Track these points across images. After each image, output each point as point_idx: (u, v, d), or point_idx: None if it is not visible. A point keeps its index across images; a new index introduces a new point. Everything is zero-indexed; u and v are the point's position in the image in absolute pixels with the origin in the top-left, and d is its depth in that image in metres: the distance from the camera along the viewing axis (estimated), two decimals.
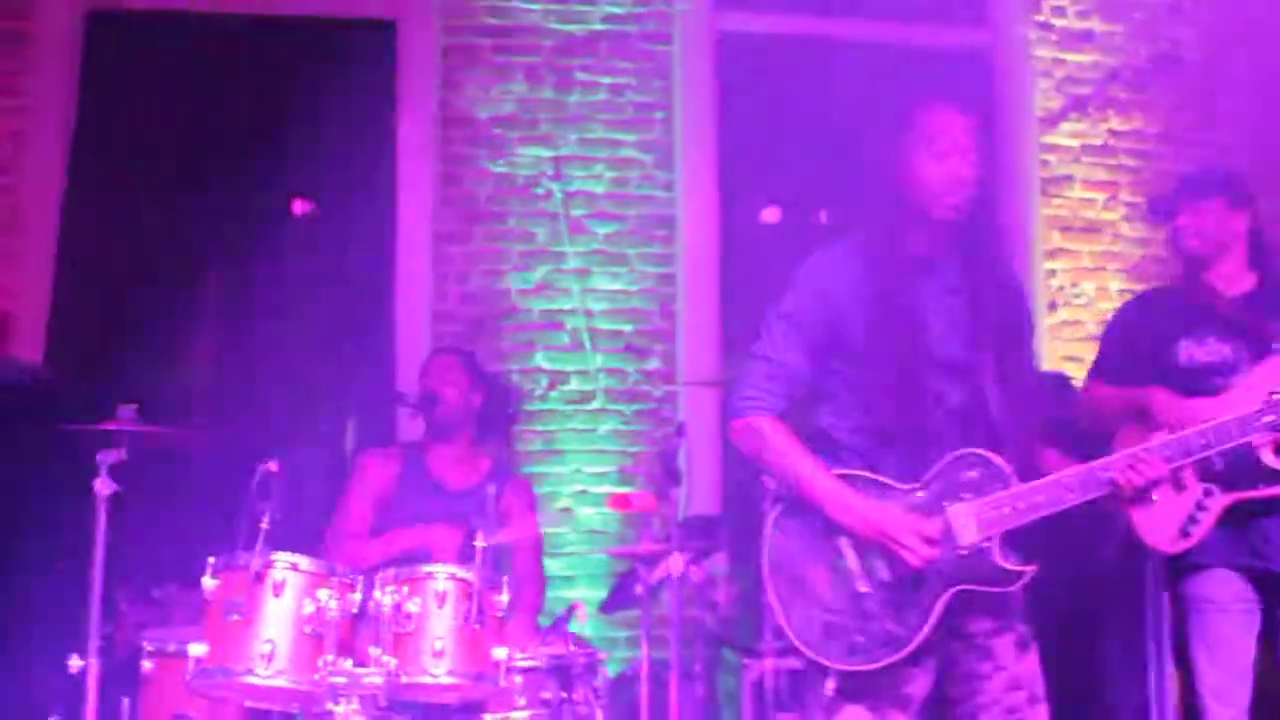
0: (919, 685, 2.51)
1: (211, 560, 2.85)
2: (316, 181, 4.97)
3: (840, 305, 2.54)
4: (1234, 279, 3.32)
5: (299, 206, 4.98)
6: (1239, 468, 2.96)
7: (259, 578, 2.82)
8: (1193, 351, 3.24)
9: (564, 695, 3.24)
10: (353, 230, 5.00)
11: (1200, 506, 3.06)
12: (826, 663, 2.45)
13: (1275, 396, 2.42)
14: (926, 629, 2.41)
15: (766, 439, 2.55)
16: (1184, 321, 3.28)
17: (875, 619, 2.43)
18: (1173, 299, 3.42)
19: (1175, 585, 3.25)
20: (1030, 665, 2.56)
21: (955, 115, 2.54)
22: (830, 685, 2.49)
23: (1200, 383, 3.18)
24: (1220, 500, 3.05)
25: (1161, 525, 3.09)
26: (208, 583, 2.83)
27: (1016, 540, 2.49)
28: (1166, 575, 3.30)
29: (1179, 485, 3.01)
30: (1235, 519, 3.07)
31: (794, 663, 3.90)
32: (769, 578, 2.51)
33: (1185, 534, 3.07)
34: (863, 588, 2.44)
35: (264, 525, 2.84)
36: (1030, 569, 2.44)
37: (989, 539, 2.43)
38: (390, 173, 4.93)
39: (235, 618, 2.78)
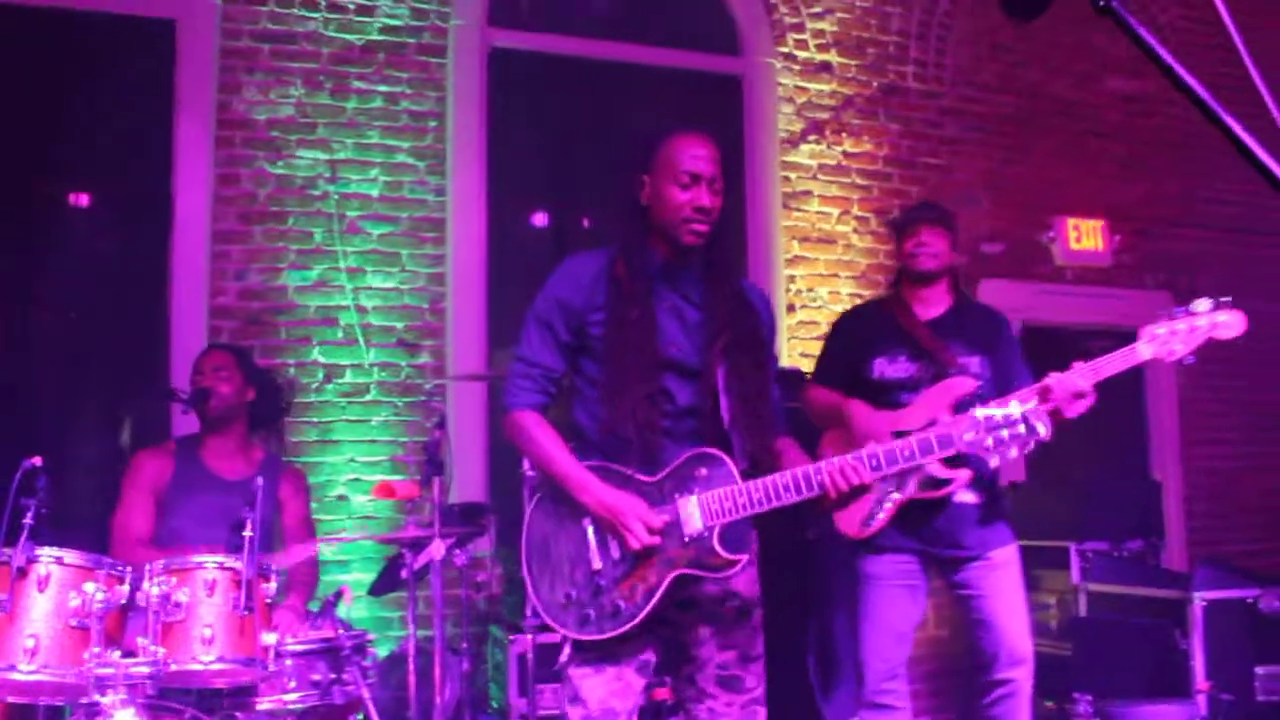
0: (654, 650, 2.61)
1: None
2: (92, 176, 4.72)
3: (583, 309, 2.60)
4: (934, 303, 3.58)
5: (74, 200, 4.72)
6: (912, 473, 3.29)
7: (22, 572, 2.69)
8: (885, 368, 3.50)
9: (333, 676, 3.21)
10: (128, 226, 4.76)
11: (880, 503, 3.38)
12: (563, 631, 2.54)
13: (978, 417, 2.54)
14: (650, 607, 2.49)
15: (525, 431, 2.63)
16: (882, 339, 3.53)
17: (606, 594, 2.51)
18: (877, 317, 3.63)
19: (854, 563, 3.54)
20: (747, 630, 2.67)
21: (700, 146, 2.60)
22: (566, 652, 2.57)
23: (889, 396, 3.46)
24: (898, 499, 3.37)
25: (850, 516, 3.41)
26: None
27: (736, 530, 2.56)
28: (851, 555, 3.57)
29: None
30: (908, 512, 3.39)
31: (555, 637, 3.97)
32: (526, 556, 2.60)
33: (867, 524, 3.39)
34: (597, 564, 2.52)
35: (27, 520, 2.71)
36: (741, 558, 2.52)
37: (710, 529, 2.51)
38: (167, 170, 4.70)
39: None
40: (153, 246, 4.69)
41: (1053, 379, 3.14)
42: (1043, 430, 2.48)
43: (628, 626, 2.49)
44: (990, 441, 2.52)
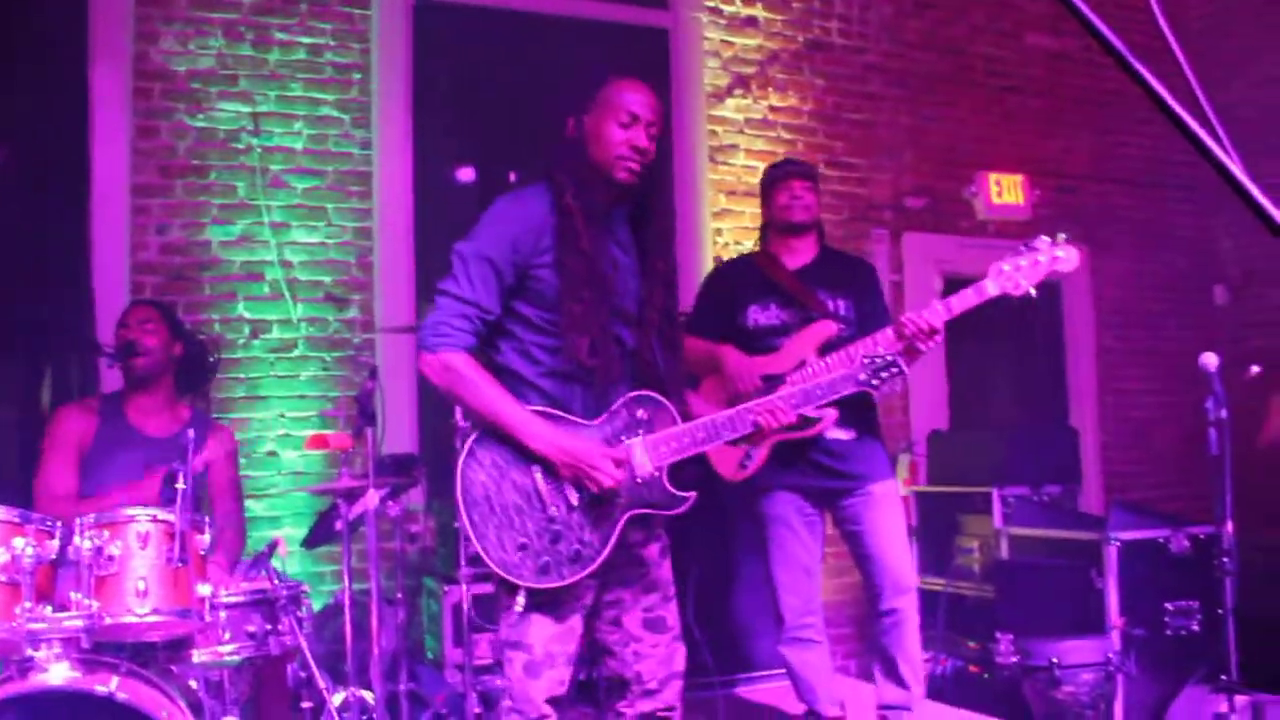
0: (592, 593, 2.65)
1: None
2: (4, 128, 4.60)
3: (531, 250, 2.58)
4: (801, 253, 3.76)
5: None
6: None
7: None
8: (757, 316, 3.68)
9: (269, 627, 3.21)
10: (45, 180, 4.65)
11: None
12: (519, 582, 2.51)
13: (867, 359, 2.88)
14: (608, 549, 2.55)
15: (459, 374, 2.55)
16: (754, 289, 3.71)
17: (563, 540, 2.52)
18: (748, 268, 3.82)
19: (754, 505, 3.69)
20: (666, 570, 2.77)
21: (643, 91, 2.68)
22: (520, 601, 2.57)
23: (762, 342, 3.64)
24: (767, 440, 3.47)
25: (727, 460, 3.57)
26: None
27: (683, 468, 2.68)
28: (746, 498, 3.71)
29: None
30: (787, 452, 3.53)
31: (488, 587, 4.01)
32: (463, 505, 2.52)
33: (743, 467, 3.54)
34: (553, 511, 2.53)
35: None
36: (691, 495, 2.64)
37: (660, 469, 2.62)
38: (84, 123, 4.59)
39: None
40: (70, 200, 4.59)
41: (906, 317, 3.36)
42: (905, 369, 2.92)
43: (589, 569, 2.54)
44: (876, 381, 2.88)
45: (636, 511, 2.59)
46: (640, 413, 2.64)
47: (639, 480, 2.60)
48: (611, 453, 2.55)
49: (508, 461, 2.55)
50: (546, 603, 2.57)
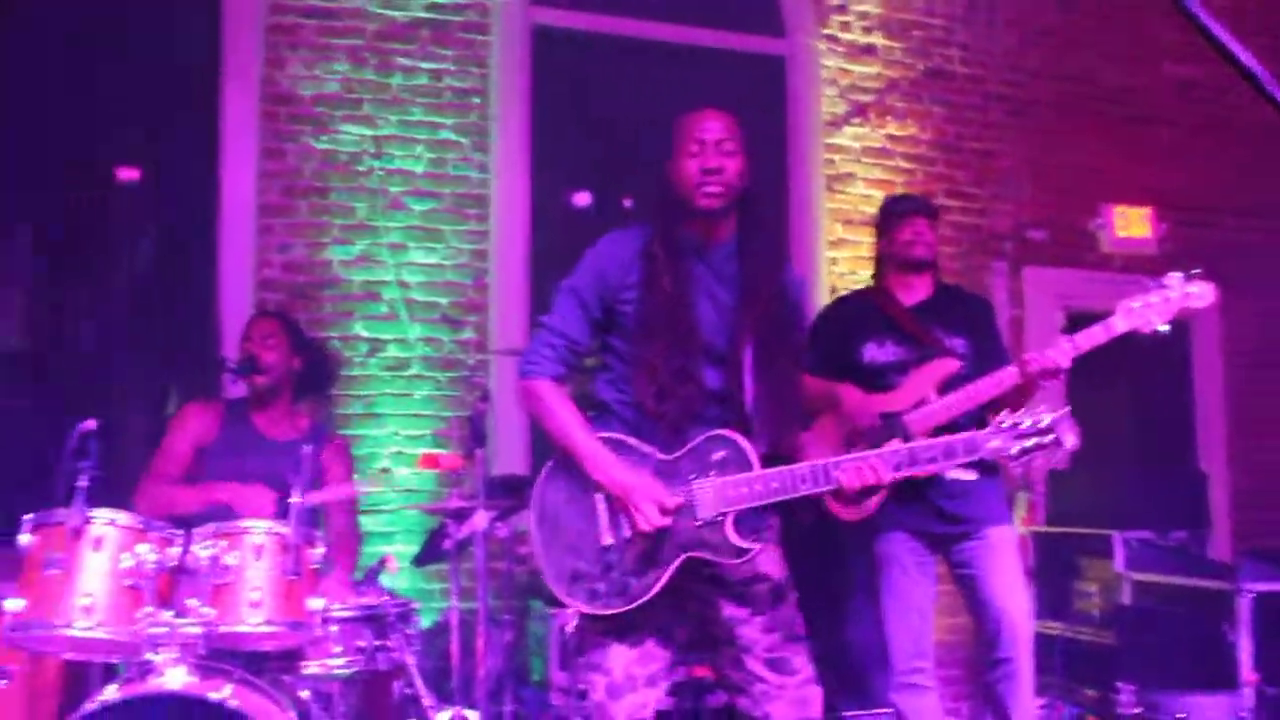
0: (677, 623, 2.64)
1: (28, 517, 2.78)
2: (140, 150, 4.80)
3: (617, 286, 2.65)
4: (918, 289, 3.69)
5: (123, 173, 4.80)
6: None
7: (77, 533, 2.76)
8: (874, 353, 3.60)
9: (378, 643, 3.26)
10: (177, 199, 4.83)
11: None
12: (570, 603, 2.57)
13: (1004, 425, 2.53)
14: (658, 586, 2.51)
15: (543, 400, 2.66)
16: (870, 326, 3.63)
17: (615, 570, 2.53)
18: (863, 305, 3.75)
19: (868, 544, 3.60)
20: (787, 610, 2.70)
21: (704, 117, 2.69)
22: (574, 622, 2.59)
23: (879, 380, 3.55)
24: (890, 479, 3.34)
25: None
26: (24, 539, 2.76)
27: (751, 517, 2.61)
28: (863, 536, 3.61)
29: None
30: (906, 492, 3.39)
31: None
32: (534, 524, 2.62)
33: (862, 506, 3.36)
34: (607, 541, 2.54)
35: (82, 483, 2.78)
36: (754, 547, 2.54)
37: (724, 514, 2.53)
38: (214, 144, 4.77)
39: (54, 572, 2.72)
40: (200, 219, 4.77)
41: (1031, 356, 3.29)
42: (1070, 442, 2.54)
43: (634, 605, 2.53)
44: (1015, 450, 2.52)
45: (694, 555, 2.53)
46: (716, 454, 2.57)
47: (699, 523, 2.53)
48: (661, 497, 2.50)
49: (580, 486, 2.60)
50: (617, 628, 2.59)
